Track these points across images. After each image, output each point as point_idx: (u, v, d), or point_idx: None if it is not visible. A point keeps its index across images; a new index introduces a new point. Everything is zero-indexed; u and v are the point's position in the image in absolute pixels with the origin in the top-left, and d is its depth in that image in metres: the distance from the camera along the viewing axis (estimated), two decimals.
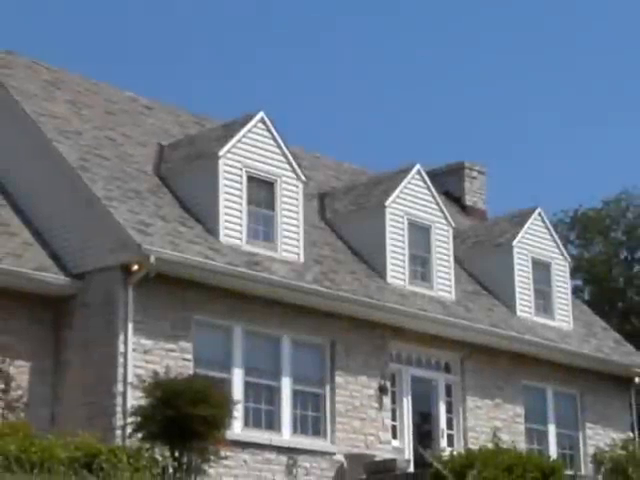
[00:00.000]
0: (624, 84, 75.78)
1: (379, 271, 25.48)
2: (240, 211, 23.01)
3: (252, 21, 74.94)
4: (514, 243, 28.60)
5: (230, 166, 23.08)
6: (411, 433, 24.91)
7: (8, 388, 20.19)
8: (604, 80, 75.77)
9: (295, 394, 22.97)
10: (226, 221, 22.73)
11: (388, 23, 75.48)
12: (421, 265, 26.32)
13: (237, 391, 21.55)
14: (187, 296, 21.33)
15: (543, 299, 28.89)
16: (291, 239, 23.74)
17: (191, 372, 20.57)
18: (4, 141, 23.69)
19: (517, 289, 28.29)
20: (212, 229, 22.56)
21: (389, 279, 25.41)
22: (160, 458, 17.92)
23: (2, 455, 15.55)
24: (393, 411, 24.70)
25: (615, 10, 75.49)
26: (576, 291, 40.89)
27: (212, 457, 18.48)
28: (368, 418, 23.96)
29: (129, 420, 18.95)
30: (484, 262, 28.77)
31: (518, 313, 28.00)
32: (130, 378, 19.98)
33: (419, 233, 26.44)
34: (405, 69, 76.34)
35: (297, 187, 24.16)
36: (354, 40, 75.01)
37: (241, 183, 23.15)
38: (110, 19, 72.19)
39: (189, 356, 21.19)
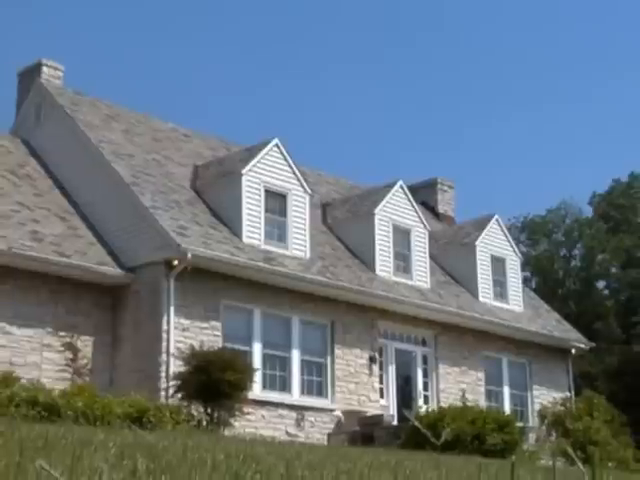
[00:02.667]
0: (564, 113, 75.82)
1: (369, 265, 25.49)
2: (259, 217, 23.02)
3: (269, 65, 75.02)
4: (476, 243, 28.62)
5: (251, 182, 23.09)
6: (395, 394, 24.94)
7: (76, 358, 20.23)
8: (544, 111, 75.81)
9: (303, 363, 23.00)
10: (248, 225, 22.75)
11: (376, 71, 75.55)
12: (403, 260, 26.34)
13: (257, 360, 21.59)
14: (217, 285, 21.37)
15: (500, 287, 28.91)
16: (299, 240, 23.76)
17: (220, 345, 20.59)
18: (72, 162, 23.72)
19: (479, 279, 28.31)
20: (236, 232, 22.58)
21: (377, 271, 25.42)
22: (196, 414, 17.99)
23: (71, 411, 15.62)
24: (380, 376, 24.72)
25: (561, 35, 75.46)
26: (525, 281, 40.93)
27: (237, 413, 18.57)
28: (361, 382, 23.98)
29: (171, 383, 19.04)
30: (453, 258, 28.80)
31: (480, 298, 28.02)
32: (172, 350, 20.03)
33: (401, 235, 26.45)
34: (388, 102, 76.40)
35: (304, 199, 24.17)
36: (348, 81, 75.12)
37: (260, 195, 23.16)
38: (155, 66, 72.29)
39: (219, 333, 21.24)
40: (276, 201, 23.56)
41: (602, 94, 76.20)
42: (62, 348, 20.15)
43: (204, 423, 17.72)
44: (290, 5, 76.20)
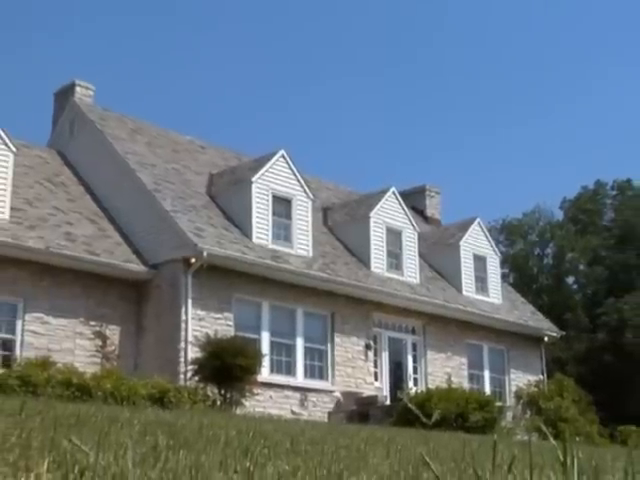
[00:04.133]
0: (542, 126, 75.75)
1: (365, 262, 25.45)
2: (267, 220, 23.00)
3: (276, 84, 75.02)
4: (460, 243, 28.57)
5: (260, 189, 23.06)
6: (388, 377, 24.90)
7: (105, 345, 20.22)
8: (521, 123, 75.74)
9: (306, 350, 22.95)
10: (257, 227, 22.72)
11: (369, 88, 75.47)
12: (395, 258, 26.29)
13: (265, 347, 21.54)
14: (229, 280, 21.34)
15: (481, 282, 28.85)
16: (303, 240, 23.72)
17: (232, 334, 20.56)
18: (101, 172, 23.71)
19: (463, 275, 28.25)
20: (247, 233, 22.55)
21: (372, 268, 25.38)
22: (211, 394, 17.96)
23: (101, 391, 15.62)
24: (375, 362, 24.67)
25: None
26: (504, 277, 40.77)
27: (247, 394, 18.53)
28: (357, 366, 23.94)
29: (189, 368, 19.01)
30: (439, 256, 28.74)
31: (463, 292, 27.97)
32: (190, 338, 20.00)
33: (394, 235, 26.41)
34: (383, 116, 76.39)
35: (307, 203, 24.14)
36: (348, 97, 75.11)
37: (267, 200, 23.13)
38: (175, 85, 72.29)
39: (231, 323, 21.20)
40: (282, 205, 23.53)
41: (572, 109, 76.20)
42: (93, 336, 20.14)
43: (218, 403, 17.69)
44: (293, 27, 76.22)
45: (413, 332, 26.05)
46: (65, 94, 25.42)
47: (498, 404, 21.97)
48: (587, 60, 75.96)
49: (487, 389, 26.95)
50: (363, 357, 24.13)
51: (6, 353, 18.87)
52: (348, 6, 74.12)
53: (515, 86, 77.62)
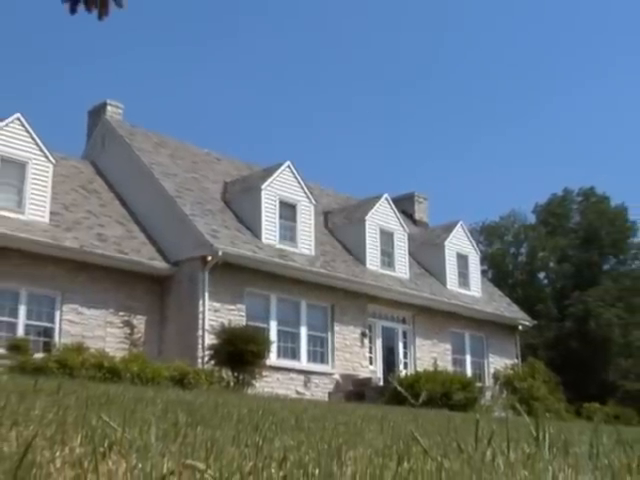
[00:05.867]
0: (521, 137, 75.70)
1: (361, 260, 25.44)
2: (274, 223, 22.98)
3: (282, 103, 74.96)
4: (445, 243, 28.53)
5: (268, 195, 23.05)
6: (381, 361, 24.87)
7: (132, 332, 20.22)
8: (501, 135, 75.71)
9: (309, 337, 22.95)
10: (266, 229, 22.71)
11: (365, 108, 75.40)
12: (388, 256, 26.27)
13: (273, 335, 21.51)
14: (241, 276, 21.33)
15: (463, 278, 28.79)
16: (306, 240, 23.70)
17: (244, 323, 20.57)
18: (129, 180, 23.70)
19: (447, 271, 28.21)
20: (257, 234, 22.54)
21: (367, 265, 25.36)
22: (225, 377, 17.94)
23: (129, 374, 15.59)
24: (370, 348, 24.65)
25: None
26: (483, 272, 40.75)
27: (257, 376, 18.51)
28: (354, 352, 23.92)
29: (206, 353, 19.00)
30: (426, 255, 28.70)
31: (448, 286, 27.92)
32: (206, 327, 20.00)
33: (386, 236, 26.39)
34: (377, 130, 76.40)
35: (310, 208, 24.12)
36: (346, 111, 75.08)
37: (275, 206, 23.12)
38: (195, 106, 72.31)
39: (243, 313, 21.19)
40: (288, 210, 23.52)
41: (544, 124, 76.20)
42: (121, 325, 20.15)
43: (231, 384, 17.67)
44: (297, 50, 76.24)
45: (404, 322, 26.04)
46: (98, 112, 25.42)
47: (478, 385, 21.95)
48: (559, 75, 75.89)
49: (468, 372, 26.93)
50: (359, 344, 24.11)
51: (46, 339, 18.91)
52: (346, 17, 74.12)
53: (494, 102, 77.58)
